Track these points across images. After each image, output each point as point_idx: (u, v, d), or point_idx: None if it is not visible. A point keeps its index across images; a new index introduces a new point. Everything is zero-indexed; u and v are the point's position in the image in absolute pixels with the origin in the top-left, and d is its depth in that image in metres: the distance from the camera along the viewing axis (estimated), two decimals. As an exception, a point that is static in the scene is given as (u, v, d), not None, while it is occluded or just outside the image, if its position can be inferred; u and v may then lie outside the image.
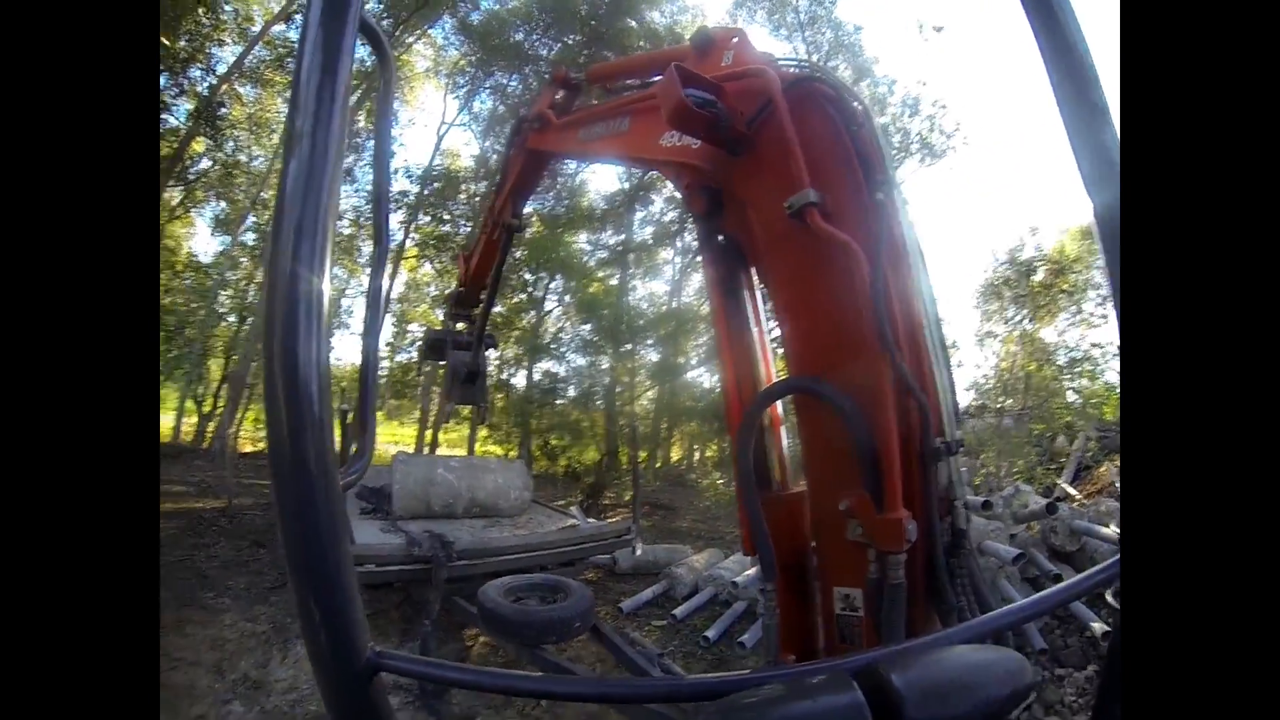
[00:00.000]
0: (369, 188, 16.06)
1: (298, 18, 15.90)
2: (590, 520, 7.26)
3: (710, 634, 5.54)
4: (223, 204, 17.40)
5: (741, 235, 2.02)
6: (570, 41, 15.93)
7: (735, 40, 2.08)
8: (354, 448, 0.61)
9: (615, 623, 5.86)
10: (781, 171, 1.68)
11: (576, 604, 3.94)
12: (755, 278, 2.17)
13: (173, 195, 16.14)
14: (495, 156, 16.74)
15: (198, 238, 19.27)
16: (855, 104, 1.74)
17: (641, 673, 3.82)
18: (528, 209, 4.81)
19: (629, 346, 15.05)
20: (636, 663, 3.87)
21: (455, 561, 4.68)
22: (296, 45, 0.56)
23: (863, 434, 1.52)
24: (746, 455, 1.82)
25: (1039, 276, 17.22)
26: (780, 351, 2.01)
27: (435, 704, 4.06)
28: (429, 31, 17.01)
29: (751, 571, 6.23)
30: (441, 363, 5.86)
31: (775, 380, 2.13)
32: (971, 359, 17.92)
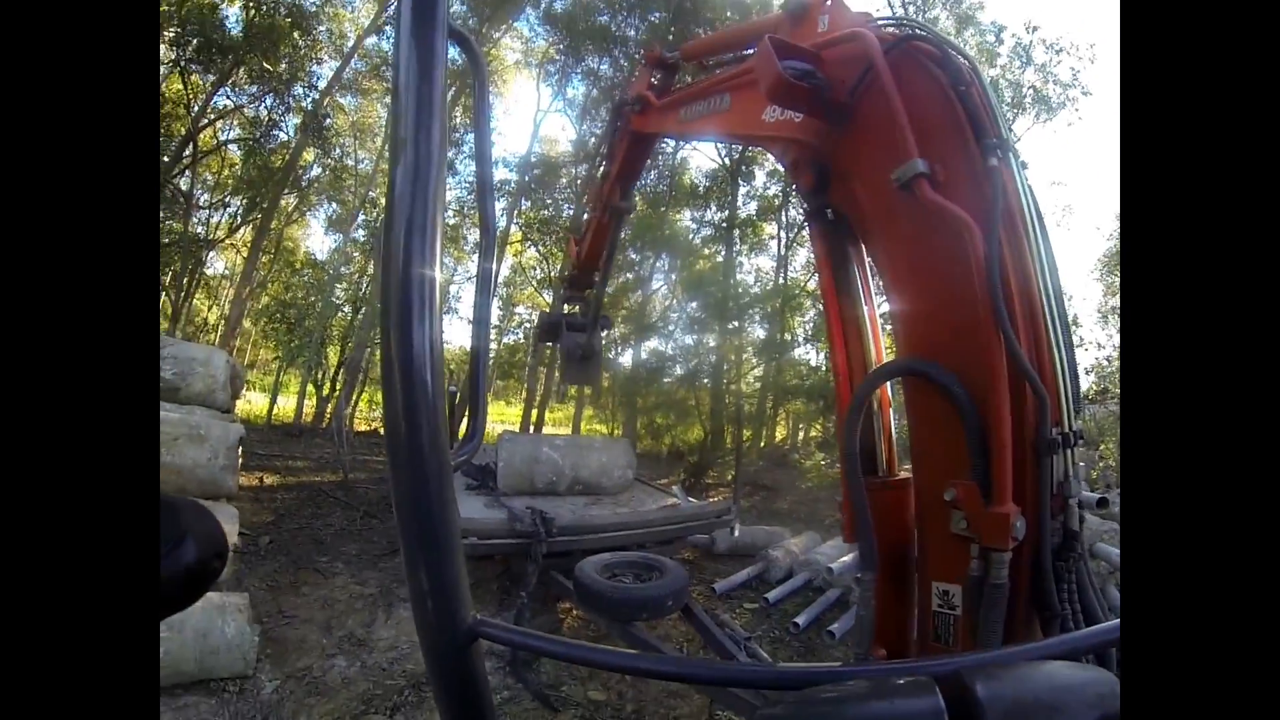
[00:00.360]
0: (471, 179, 16.74)
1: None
2: (691, 500, 7.31)
3: (800, 620, 5.48)
4: (334, 205, 18.76)
5: (849, 210, 1.93)
6: (656, 20, 15.77)
7: (829, 2, 1.99)
8: (463, 429, 0.65)
9: (707, 603, 5.91)
10: (887, 141, 1.60)
11: (671, 583, 4.00)
12: (865, 254, 2.09)
13: (289, 202, 17.60)
14: (593, 140, 16.94)
15: (313, 237, 20.97)
16: (962, 61, 1.62)
17: (728, 655, 3.84)
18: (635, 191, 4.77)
19: (735, 324, 14.87)
20: (724, 645, 3.90)
21: (555, 537, 4.86)
22: (391, 57, 0.60)
23: (973, 421, 1.44)
24: (853, 438, 1.74)
25: None
26: (890, 330, 1.93)
27: (524, 673, 4.28)
28: (514, 25, 17.41)
29: (847, 558, 6.08)
30: (555, 344, 5.91)
31: (884, 361, 2.05)
32: (1093, 337, 16.31)
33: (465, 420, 0.68)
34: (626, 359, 17.31)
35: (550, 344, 6.24)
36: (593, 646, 0.45)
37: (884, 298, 1.88)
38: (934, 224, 1.52)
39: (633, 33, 16.15)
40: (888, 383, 1.95)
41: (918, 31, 1.74)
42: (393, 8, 16.01)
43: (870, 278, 2.11)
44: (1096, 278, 17.01)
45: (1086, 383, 16.00)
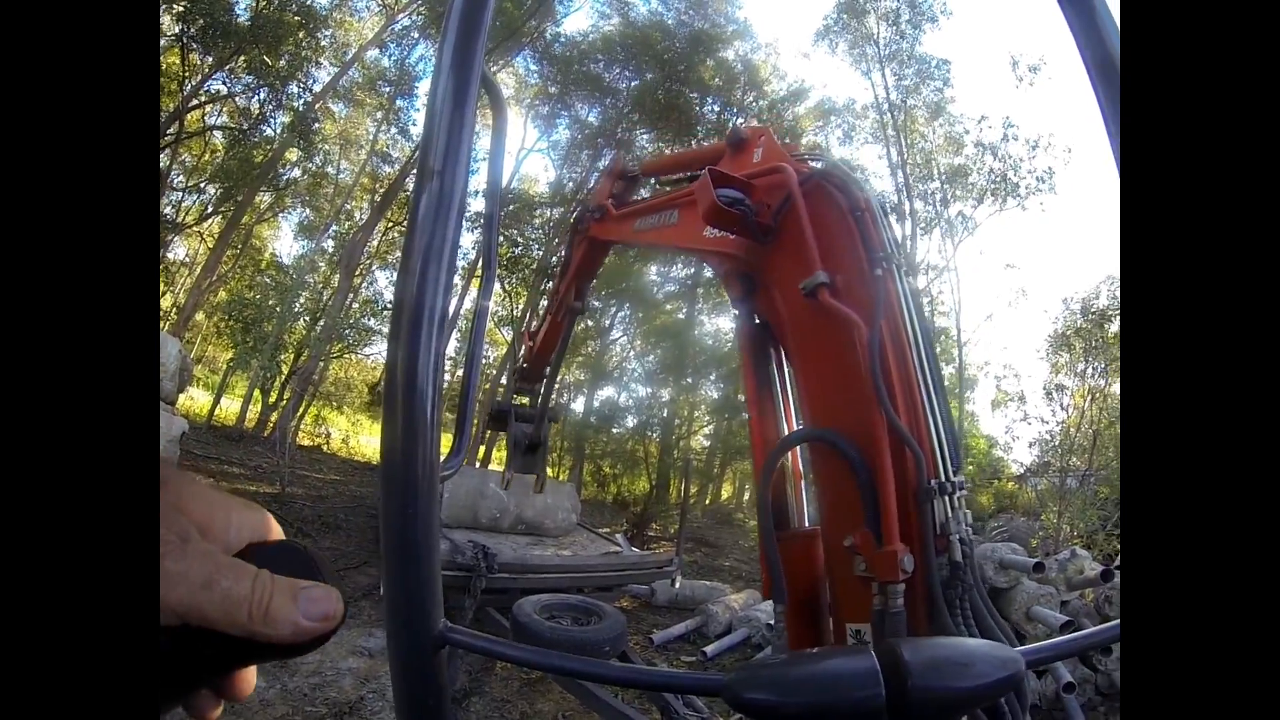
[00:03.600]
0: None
1: (390, 45, 17.07)
2: (633, 549, 7.27)
3: (709, 650, 5.76)
4: (308, 211, 18.50)
5: (770, 314, 2.30)
6: (649, 78, 16.35)
7: (763, 138, 2.47)
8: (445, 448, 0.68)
9: (645, 653, 5.81)
10: (799, 257, 1.97)
11: (609, 629, 3.95)
12: (781, 349, 2.42)
13: (263, 199, 17.31)
14: (570, 184, 17.23)
15: (282, 240, 20.56)
16: (859, 192, 2.02)
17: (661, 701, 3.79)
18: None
19: (690, 380, 15.08)
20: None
21: (495, 573, 4.76)
22: (428, 91, 0.65)
23: (864, 477, 1.74)
24: (766, 494, 2.06)
25: (1114, 328, 16.39)
26: (799, 408, 2.31)
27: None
28: (513, 62, 17.82)
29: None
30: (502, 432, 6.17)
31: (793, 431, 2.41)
32: (1037, 413, 17.04)
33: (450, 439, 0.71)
34: (579, 405, 17.29)
35: (498, 430, 6.50)
36: (555, 654, 0.48)
37: (794, 383, 2.29)
38: (832, 323, 1.88)
39: (623, 85, 16.68)
40: (796, 448, 2.28)
41: (829, 168, 2.17)
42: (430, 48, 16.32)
43: (785, 367, 2.45)
44: (1041, 357, 17.95)
45: (1031, 455, 16.64)
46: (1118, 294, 17.12)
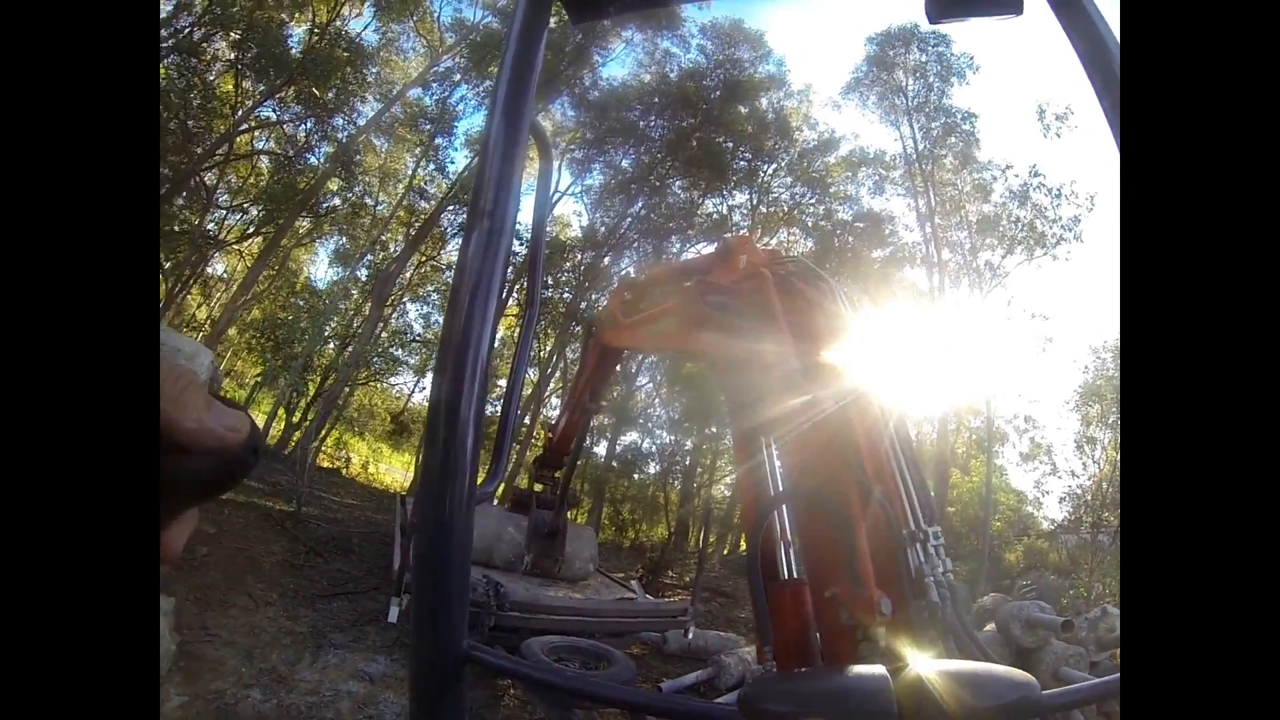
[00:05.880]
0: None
1: (433, 85, 17.82)
2: (648, 596, 7.18)
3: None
4: (344, 240, 19.07)
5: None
6: (683, 125, 16.71)
7: (746, 246, 2.83)
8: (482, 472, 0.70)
9: (649, 700, 5.64)
10: (775, 347, 2.25)
11: (617, 674, 3.88)
12: None
13: (303, 224, 17.92)
14: (603, 229, 17.55)
15: (318, 265, 21.17)
16: (826, 284, 2.42)
17: None
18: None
19: (713, 430, 15.00)
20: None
21: (506, 611, 4.73)
22: (481, 135, 0.70)
23: (843, 529, 1.89)
24: (755, 548, 2.24)
25: None
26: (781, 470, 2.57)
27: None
28: (549, 107, 18.43)
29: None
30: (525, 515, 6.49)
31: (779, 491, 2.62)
32: (1067, 466, 16.46)
33: (487, 466, 0.73)
34: (601, 449, 17.27)
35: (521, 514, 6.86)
36: (575, 675, 0.49)
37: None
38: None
39: (657, 134, 17.06)
40: (783, 507, 2.45)
41: (799, 266, 2.57)
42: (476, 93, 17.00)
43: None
44: (1072, 408, 17.46)
45: (1062, 511, 16.09)
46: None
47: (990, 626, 5.85)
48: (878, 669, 0.43)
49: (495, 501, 6.47)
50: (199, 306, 20.53)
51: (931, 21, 0.73)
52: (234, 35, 13.47)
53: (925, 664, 0.44)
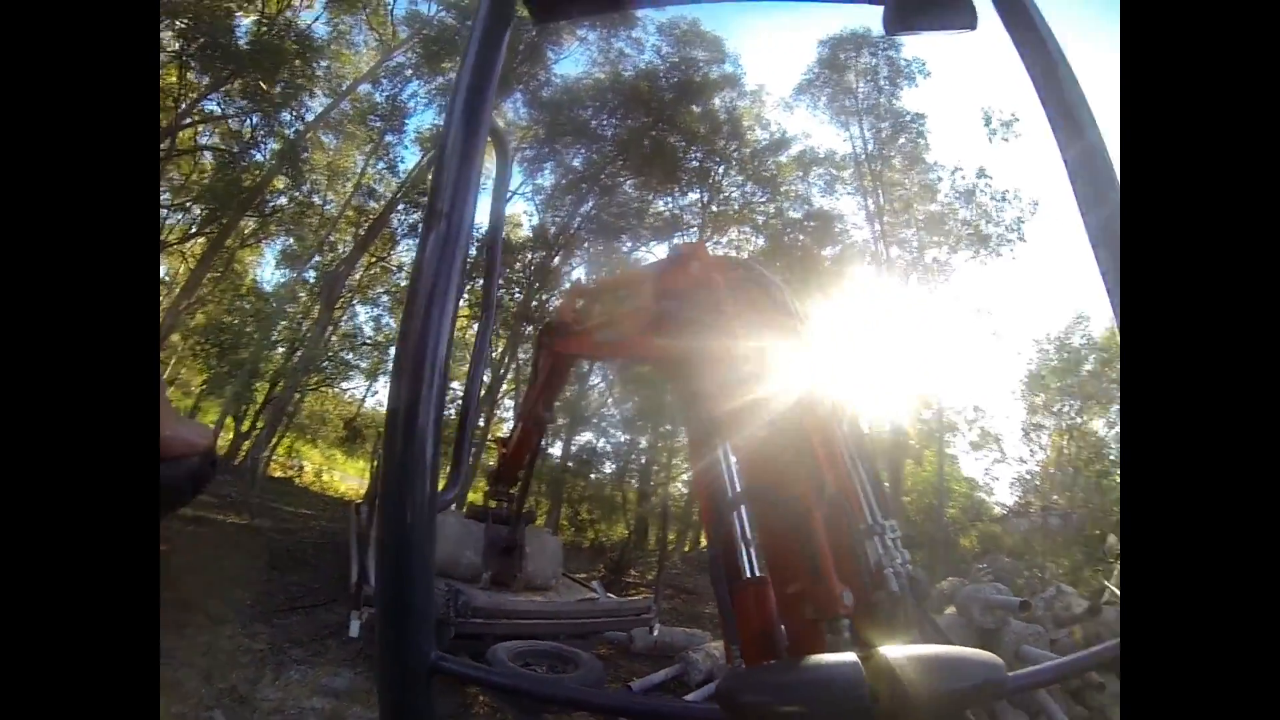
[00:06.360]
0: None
1: (384, 81, 17.37)
2: (610, 595, 7.16)
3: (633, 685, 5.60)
4: (291, 240, 18.43)
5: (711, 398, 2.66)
6: (634, 124, 16.72)
7: (699, 252, 2.90)
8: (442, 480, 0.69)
9: (618, 699, 5.65)
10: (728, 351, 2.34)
11: (585, 677, 3.87)
12: None
13: (248, 224, 17.25)
14: (553, 229, 17.41)
15: (265, 267, 20.39)
16: (773, 285, 2.54)
17: None
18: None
19: (669, 427, 15.06)
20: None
21: (468, 619, 4.66)
22: (440, 137, 0.69)
23: (802, 527, 1.92)
24: (716, 549, 2.32)
25: (1089, 366, 16.66)
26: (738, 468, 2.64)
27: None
28: (501, 105, 18.15)
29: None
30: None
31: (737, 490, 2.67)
32: (1015, 453, 17.17)
33: (447, 471, 0.72)
34: (557, 449, 17.19)
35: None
36: (546, 679, 0.49)
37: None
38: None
39: (609, 134, 17.02)
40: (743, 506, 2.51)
41: (748, 269, 2.69)
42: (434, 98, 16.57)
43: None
44: (1018, 397, 18.25)
45: (1013, 496, 16.79)
46: (1090, 334, 17.47)
47: (951, 610, 6.06)
48: (849, 657, 0.45)
49: (455, 506, 6.34)
50: (138, 311, 19.48)
51: (888, 33, 0.75)
52: (179, 24, 12.83)
53: (894, 650, 0.46)
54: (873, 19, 0.74)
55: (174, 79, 13.74)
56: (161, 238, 16.28)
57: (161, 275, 19.29)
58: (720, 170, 18.40)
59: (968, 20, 0.69)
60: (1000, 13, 0.65)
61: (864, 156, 18.48)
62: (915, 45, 18.40)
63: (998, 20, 0.70)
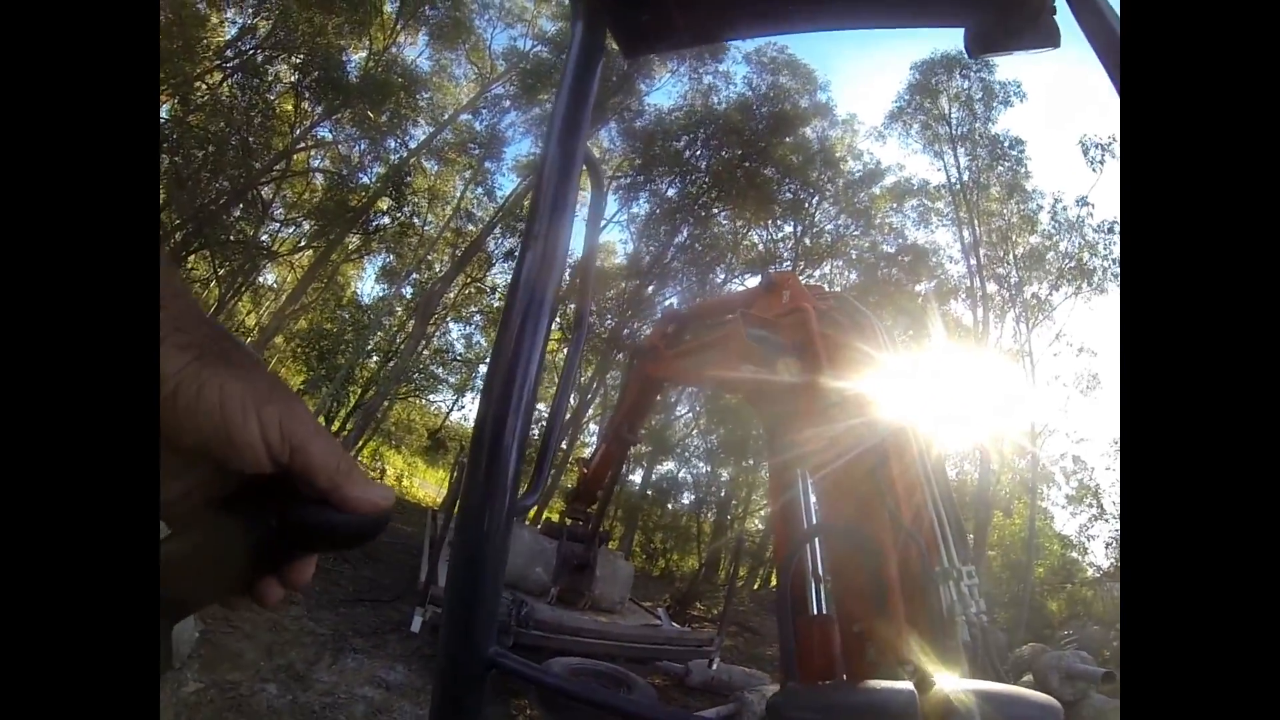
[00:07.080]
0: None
1: (484, 111, 18.41)
2: (674, 624, 7.06)
3: None
4: (391, 257, 19.69)
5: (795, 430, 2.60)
6: (727, 155, 16.80)
7: (790, 282, 2.89)
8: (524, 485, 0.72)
9: (670, 734, 5.52)
10: (817, 382, 2.29)
11: (638, 700, 3.81)
12: None
13: (352, 240, 18.61)
14: (647, 258, 17.71)
15: (365, 281, 21.86)
16: (866, 319, 2.43)
17: None
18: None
19: (751, 463, 14.87)
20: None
21: (528, 629, 4.73)
22: (538, 161, 0.74)
23: (874, 565, 1.89)
24: (787, 581, 2.27)
25: None
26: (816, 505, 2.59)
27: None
28: (596, 135, 18.74)
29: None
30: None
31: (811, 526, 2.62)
32: (1116, 511, 15.66)
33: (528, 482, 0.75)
34: (637, 476, 17.20)
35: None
36: (596, 688, 0.50)
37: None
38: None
39: (704, 165, 17.12)
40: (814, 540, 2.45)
41: (839, 304, 2.59)
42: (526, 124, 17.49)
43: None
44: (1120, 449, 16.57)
45: (1109, 558, 15.32)
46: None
47: (1027, 677, 5.60)
48: (905, 685, 0.43)
49: (529, 521, 6.48)
50: (249, 313, 21.39)
51: (971, 55, 0.73)
52: (295, 59, 14.26)
53: (951, 681, 0.44)
54: (957, 40, 0.73)
55: (290, 107, 15.19)
56: (274, 248, 17.83)
57: (270, 282, 21.09)
58: (813, 202, 18.19)
59: (1050, 39, 0.67)
60: (1085, 31, 0.62)
61: (959, 186, 17.74)
62: (1008, 67, 17.57)
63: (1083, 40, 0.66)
